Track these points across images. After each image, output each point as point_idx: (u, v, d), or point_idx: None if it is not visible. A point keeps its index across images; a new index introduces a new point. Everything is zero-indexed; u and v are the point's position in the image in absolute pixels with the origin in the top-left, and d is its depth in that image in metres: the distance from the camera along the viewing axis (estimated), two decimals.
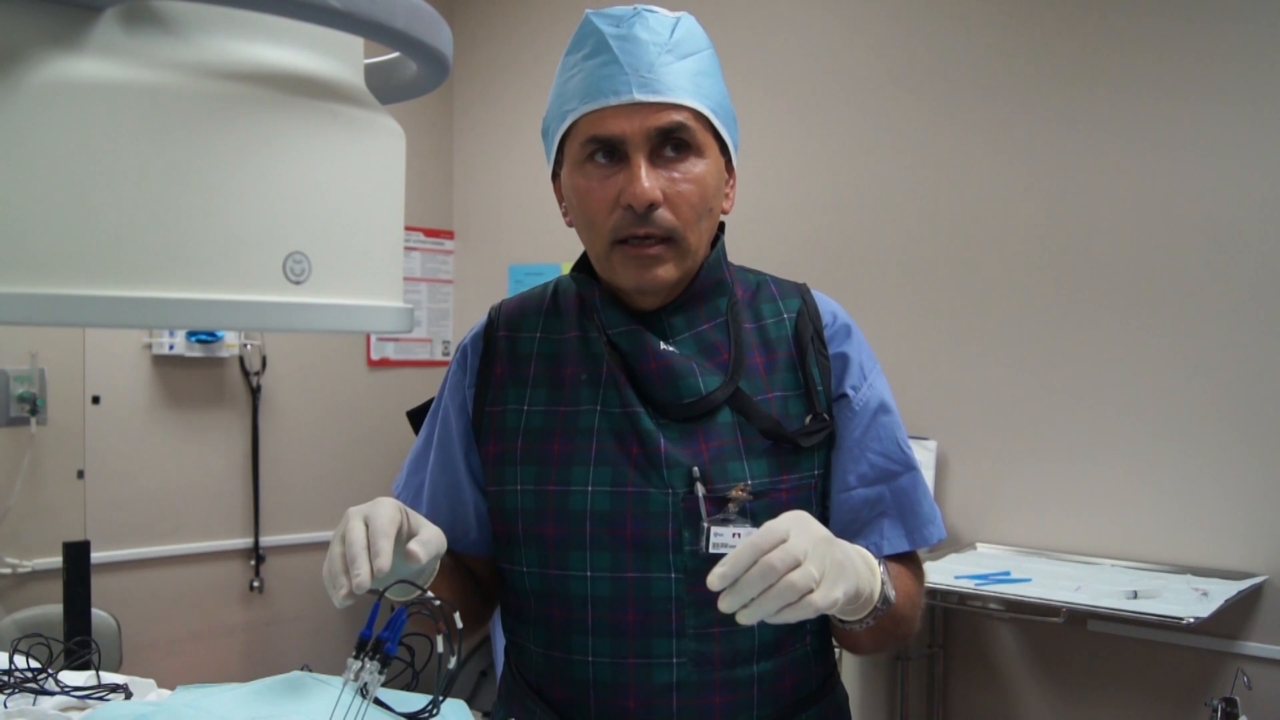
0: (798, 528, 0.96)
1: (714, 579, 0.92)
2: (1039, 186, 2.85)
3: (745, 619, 0.92)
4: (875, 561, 1.08)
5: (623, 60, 1.12)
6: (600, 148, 1.14)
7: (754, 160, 3.28)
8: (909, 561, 1.24)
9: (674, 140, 1.13)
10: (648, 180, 1.11)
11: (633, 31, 1.13)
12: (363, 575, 0.94)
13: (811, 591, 0.93)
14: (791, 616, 0.93)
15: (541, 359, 1.24)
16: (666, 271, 1.15)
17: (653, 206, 1.11)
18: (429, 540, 1.04)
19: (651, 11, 1.15)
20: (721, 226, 1.27)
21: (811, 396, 1.20)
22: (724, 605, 0.93)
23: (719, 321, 1.22)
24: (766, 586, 0.91)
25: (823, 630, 1.25)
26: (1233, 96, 2.55)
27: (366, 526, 0.99)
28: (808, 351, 1.21)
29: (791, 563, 0.92)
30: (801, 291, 1.28)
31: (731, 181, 1.22)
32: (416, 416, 1.39)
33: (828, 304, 1.28)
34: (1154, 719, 2.66)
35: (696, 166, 1.14)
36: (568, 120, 1.16)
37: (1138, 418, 2.70)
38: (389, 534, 0.98)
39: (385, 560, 0.95)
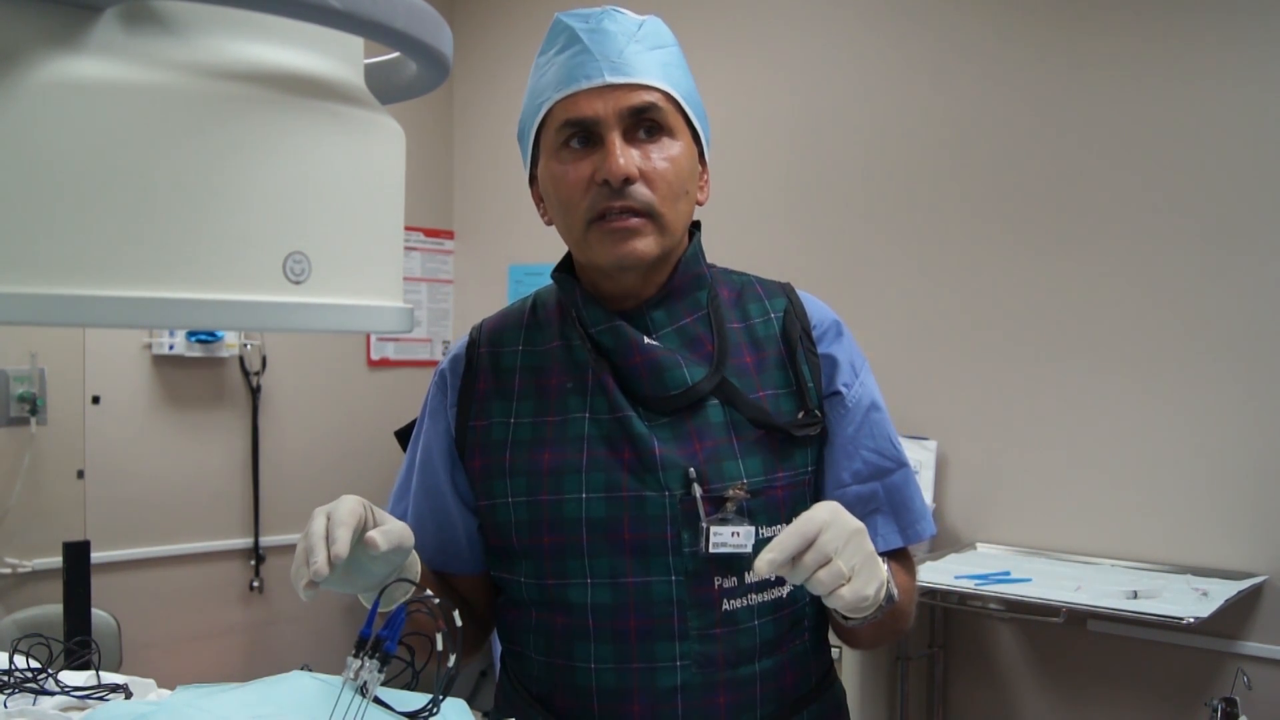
0: (832, 520, 1.00)
1: (762, 564, 0.97)
2: (1036, 189, 2.85)
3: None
4: (881, 560, 1.09)
5: (593, 49, 1.15)
6: (576, 132, 1.15)
7: (746, 157, 3.29)
8: (902, 557, 1.26)
9: (647, 122, 1.15)
10: (623, 156, 1.12)
11: (601, 25, 1.16)
12: (319, 563, 0.96)
13: (841, 586, 0.98)
14: (830, 603, 1.00)
15: (525, 371, 1.24)
16: (645, 245, 1.15)
17: (629, 181, 1.13)
18: (390, 530, 1.04)
19: (619, 11, 1.19)
20: (698, 225, 1.28)
21: (803, 393, 1.20)
22: (793, 578, 0.99)
23: (700, 315, 1.23)
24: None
25: (819, 627, 1.26)
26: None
27: (328, 519, 1.00)
28: (797, 349, 1.22)
29: (823, 560, 0.98)
30: (787, 291, 1.28)
31: (705, 175, 1.24)
32: (405, 436, 1.39)
33: (815, 303, 1.28)
34: (1154, 719, 2.66)
35: (671, 147, 1.16)
36: (542, 110, 1.18)
37: (1138, 417, 2.70)
38: (347, 524, 0.99)
39: (342, 547, 0.97)
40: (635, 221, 1.14)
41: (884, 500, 1.23)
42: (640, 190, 1.13)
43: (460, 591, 1.30)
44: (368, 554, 1.03)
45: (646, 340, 1.18)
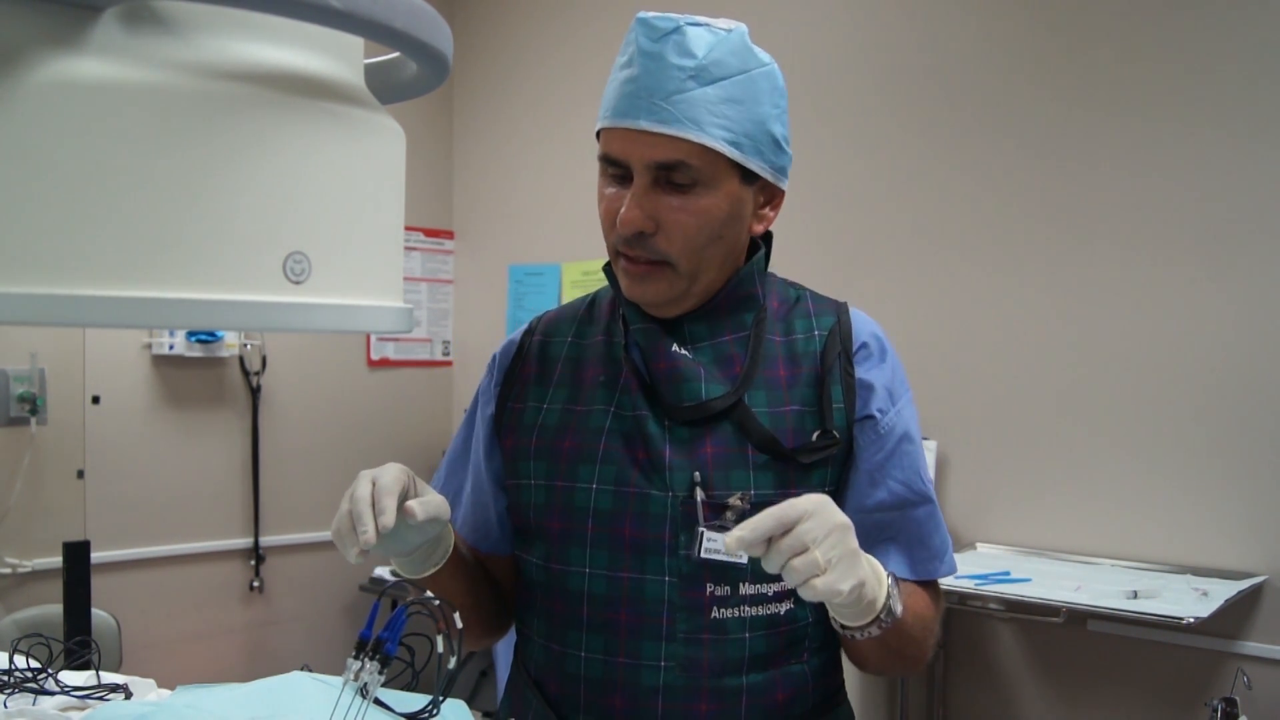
0: (816, 511, 0.98)
1: (731, 540, 0.96)
2: (1038, 186, 2.85)
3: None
4: (883, 571, 1.07)
5: (643, 81, 1.12)
6: (612, 163, 1.16)
7: None
8: (928, 588, 1.23)
9: (677, 173, 1.12)
10: (636, 209, 1.12)
11: (663, 50, 1.11)
12: (369, 533, 1.00)
13: (815, 578, 0.96)
14: (803, 594, 0.97)
15: (568, 362, 1.27)
16: (656, 290, 1.16)
17: (642, 235, 1.13)
18: (429, 502, 1.08)
19: (696, 25, 1.13)
20: (769, 239, 1.27)
21: (824, 414, 1.18)
22: (767, 565, 0.98)
23: (741, 335, 1.22)
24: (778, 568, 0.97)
25: (825, 648, 1.23)
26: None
27: (373, 485, 1.04)
28: (832, 369, 1.20)
29: (799, 548, 0.96)
30: (839, 310, 1.26)
31: (770, 205, 1.21)
32: None
33: (866, 325, 1.26)
34: (1154, 719, 2.66)
35: (702, 198, 1.13)
36: (597, 127, 1.19)
37: (1138, 417, 2.70)
38: (393, 492, 1.03)
39: (389, 518, 1.01)
40: (647, 268, 1.15)
41: (901, 531, 1.21)
42: (655, 243, 1.14)
43: (493, 571, 1.34)
44: (405, 522, 1.07)
45: (675, 348, 1.19)
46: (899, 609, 1.08)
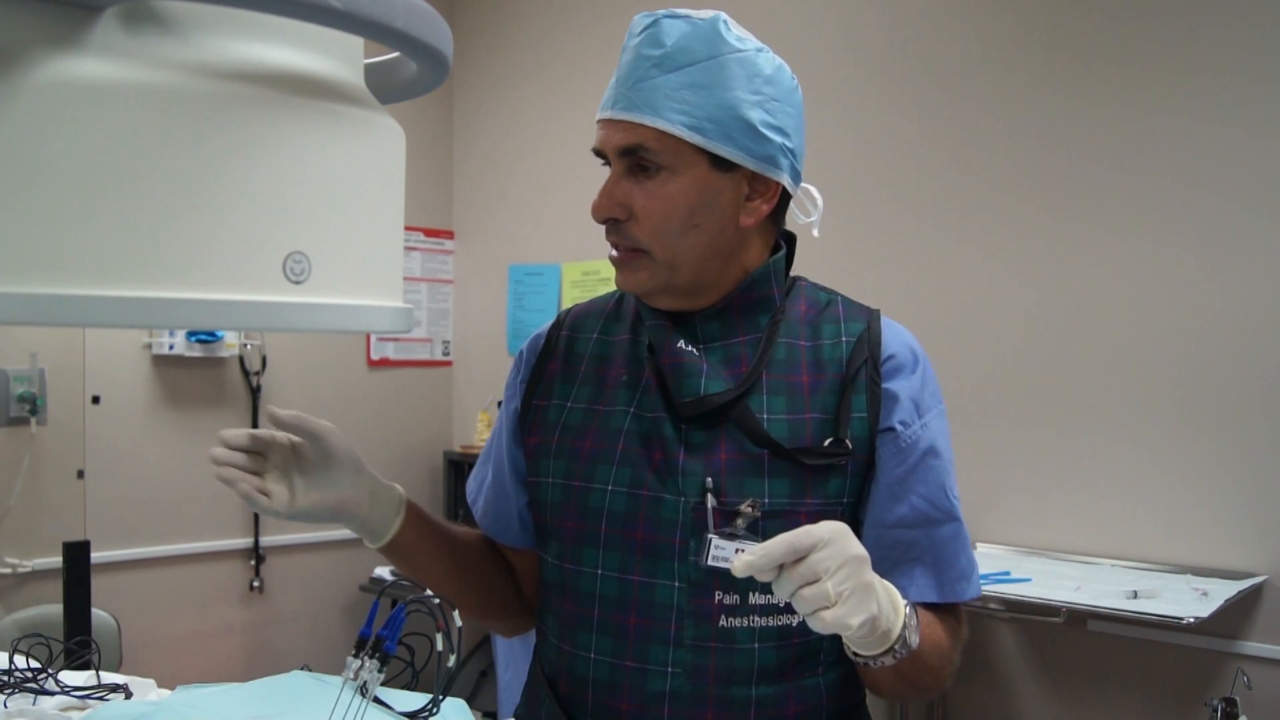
0: (831, 539, 0.96)
1: (739, 565, 0.95)
2: (1039, 183, 2.85)
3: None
4: (900, 601, 1.05)
5: (620, 74, 1.16)
6: (598, 155, 1.20)
7: None
8: (947, 616, 1.19)
9: (639, 158, 1.14)
10: (606, 196, 1.16)
11: (639, 44, 1.16)
12: (261, 502, 1.15)
13: (824, 609, 0.95)
14: (811, 624, 0.96)
15: (593, 359, 1.27)
16: (638, 280, 1.18)
17: (615, 221, 1.16)
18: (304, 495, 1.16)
19: (674, 17, 1.15)
20: (792, 241, 1.27)
21: (839, 421, 1.16)
22: (777, 591, 0.97)
23: (754, 337, 1.20)
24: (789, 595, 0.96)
25: (842, 662, 1.19)
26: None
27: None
28: (857, 378, 1.18)
29: (810, 577, 0.94)
30: (869, 317, 1.24)
31: (765, 194, 1.18)
32: None
33: (898, 335, 1.23)
34: (1154, 719, 2.66)
35: (667, 184, 1.14)
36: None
37: (1138, 417, 2.70)
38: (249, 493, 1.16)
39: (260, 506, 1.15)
40: (627, 255, 1.17)
41: (926, 550, 1.17)
42: (629, 229, 1.16)
43: (511, 563, 1.36)
44: (324, 462, 1.14)
45: (680, 344, 1.19)
46: (915, 640, 1.05)
